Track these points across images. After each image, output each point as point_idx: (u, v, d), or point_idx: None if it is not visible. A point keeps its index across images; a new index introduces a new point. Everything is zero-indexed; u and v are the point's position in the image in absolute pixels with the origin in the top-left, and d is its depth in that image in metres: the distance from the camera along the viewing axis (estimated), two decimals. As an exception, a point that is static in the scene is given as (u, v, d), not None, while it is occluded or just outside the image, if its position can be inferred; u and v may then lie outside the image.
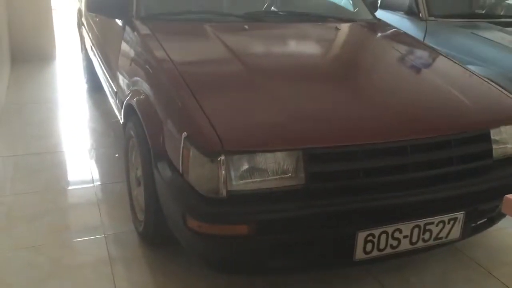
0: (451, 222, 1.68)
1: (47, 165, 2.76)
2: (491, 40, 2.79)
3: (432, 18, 3.12)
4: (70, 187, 2.58)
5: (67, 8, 7.52)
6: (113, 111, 2.73)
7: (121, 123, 2.23)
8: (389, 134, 1.64)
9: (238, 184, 1.49)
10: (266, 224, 1.49)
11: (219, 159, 1.46)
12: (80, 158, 2.89)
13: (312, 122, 1.64)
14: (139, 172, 1.97)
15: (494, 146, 1.78)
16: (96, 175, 2.69)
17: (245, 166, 1.50)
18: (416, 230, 1.63)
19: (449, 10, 3.25)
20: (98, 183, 2.60)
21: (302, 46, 2.45)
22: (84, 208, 2.35)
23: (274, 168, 1.52)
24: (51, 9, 5.04)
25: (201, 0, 2.66)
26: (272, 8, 2.65)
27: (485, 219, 1.89)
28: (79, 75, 4.42)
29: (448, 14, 3.16)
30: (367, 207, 1.57)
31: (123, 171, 2.30)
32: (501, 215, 1.95)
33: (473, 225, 1.84)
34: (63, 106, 3.79)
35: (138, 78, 2.07)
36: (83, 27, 3.81)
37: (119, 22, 2.50)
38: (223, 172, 1.46)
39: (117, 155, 2.88)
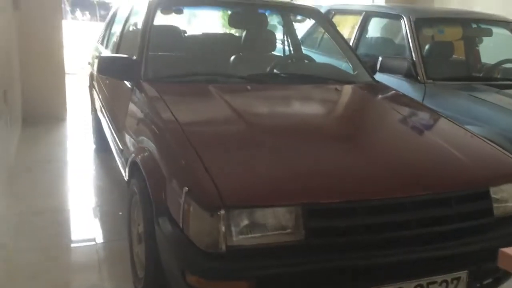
0: (454, 282, 1.66)
1: (51, 223, 2.77)
2: (488, 102, 2.86)
3: (430, 81, 3.21)
4: (72, 245, 2.58)
5: (80, 72, 7.83)
6: (119, 170, 2.79)
7: (126, 180, 2.27)
8: (388, 191, 1.66)
9: (238, 239, 1.50)
10: (266, 280, 1.48)
11: (219, 213, 1.47)
12: (84, 216, 2.91)
13: (312, 178, 1.67)
14: (141, 229, 1.98)
15: (494, 204, 1.78)
16: (99, 232, 2.70)
17: (245, 221, 1.51)
18: (418, 290, 1.61)
19: (446, 73, 3.35)
20: (101, 240, 2.60)
21: (303, 106, 2.53)
22: (85, 266, 2.34)
23: (274, 224, 1.53)
24: (64, 73, 5.25)
25: (206, 62, 2.79)
26: (274, 70, 2.76)
27: (491, 279, 1.86)
28: (88, 136, 4.53)
29: (445, 77, 3.26)
30: (367, 264, 1.56)
31: (125, 229, 2.31)
32: (508, 275, 1.91)
33: (478, 285, 1.81)
34: (71, 166, 3.86)
35: (143, 137, 2.14)
36: (94, 89, 3.96)
37: (127, 84, 2.61)
38: (223, 226, 1.47)
39: (120, 213, 2.90)
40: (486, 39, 3.94)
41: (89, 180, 3.53)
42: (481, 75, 3.58)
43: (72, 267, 2.35)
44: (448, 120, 2.35)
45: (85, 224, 2.81)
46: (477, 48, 3.91)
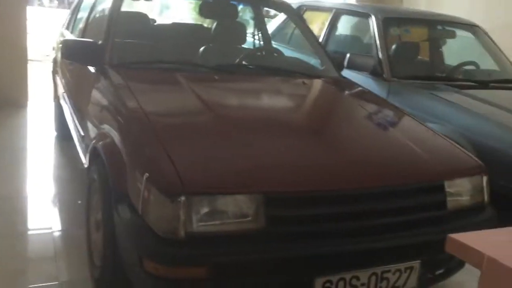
0: (408, 271, 1.70)
1: (6, 210, 2.69)
2: (449, 101, 2.95)
3: (395, 79, 3.29)
4: (28, 233, 2.51)
5: (45, 59, 7.61)
6: (80, 158, 2.73)
7: (85, 167, 2.22)
8: (347, 182, 1.69)
9: (198, 226, 1.49)
10: (225, 267, 1.49)
11: (179, 199, 1.46)
12: (42, 204, 2.83)
13: (274, 168, 1.68)
14: (99, 216, 1.94)
15: (448, 198, 1.84)
16: (56, 221, 2.64)
17: (206, 208, 1.51)
18: (373, 278, 1.64)
19: (411, 72, 3.43)
20: (58, 229, 2.54)
21: (270, 98, 2.54)
22: (41, 254, 2.28)
23: (235, 211, 1.53)
24: (26, 59, 5.10)
25: (174, 51, 2.76)
26: (243, 62, 2.76)
27: (442, 270, 1.92)
28: (49, 123, 4.41)
29: (410, 76, 3.34)
30: (325, 252, 1.58)
31: (83, 217, 2.26)
32: (459, 267, 1.98)
33: (430, 275, 1.86)
34: (31, 153, 3.75)
35: (106, 123, 2.10)
36: (57, 75, 3.86)
37: (92, 69, 2.56)
38: (183, 213, 1.47)
39: (79, 201, 2.84)
40: (450, 42, 4.05)
41: (48, 168, 3.44)
42: (443, 75, 3.68)
43: (28, 256, 2.29)
44: (410, 117, 2.40)
45: (42, 212, 2.74)
46: (441, 49, 4.01)
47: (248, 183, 1.58)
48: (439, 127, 2.48)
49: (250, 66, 2.77)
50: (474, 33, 3.93)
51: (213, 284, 1.49)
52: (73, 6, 4.17)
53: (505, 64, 3.78)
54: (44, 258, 2.23)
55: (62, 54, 2.48)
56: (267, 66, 2.83)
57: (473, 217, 1.87)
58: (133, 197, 1.63)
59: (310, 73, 2.81)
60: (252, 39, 3.59)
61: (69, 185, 3.15)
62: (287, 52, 3.53)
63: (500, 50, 3.86)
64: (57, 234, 2.49)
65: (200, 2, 3.29)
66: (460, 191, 1.89)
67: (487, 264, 0.92)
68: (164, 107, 2.15)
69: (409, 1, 6.60)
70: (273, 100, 2.53)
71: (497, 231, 1.10)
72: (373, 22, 3.60)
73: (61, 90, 3.54)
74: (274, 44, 3.75)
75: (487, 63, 3.79)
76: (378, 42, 3.48)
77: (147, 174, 1.55)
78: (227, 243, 1.51)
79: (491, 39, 3.91)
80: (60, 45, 3.26)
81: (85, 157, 2.25)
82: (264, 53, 3.35)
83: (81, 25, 3.44)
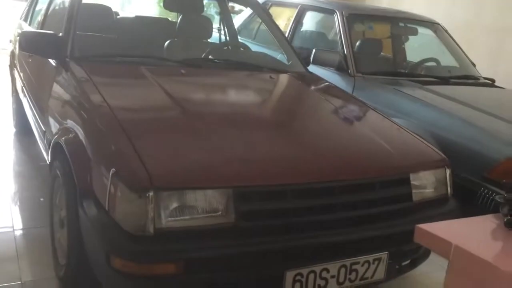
0: (376, 262, 1.73)
1: (-37, 209, 2.57)
2: (411, 96, 3.02)
3: (360, 74, 3.34)
4: (-14, 231, 2.40)
5: (1, 52, 7.31)
6: (41, 155, 2.63)
7: (48, 163, 2.15)
8: (316, 175, 1.70)
9: (167, 222, 1.47)
10: (194, 262, 1.47)
11: (147, 195, 1.43)
12: (2, 202, 2.72)
13: (243, 162, 1.67)
14: (63, 213, 1.89)
15: (413, 190, 1.88)
16: (17, 219, 2.54)
17: (174, 204, 1.48)
18: (343, 270, 1.66)
19: (375, 68, 3.49)
20: (19, 227, 2.45)
21: (237, 92, 2.53)
22: (1, 253, 2.20)
23: (204, 206, 1.52)
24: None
25: (138, 45, 2.70)
26: (210, 56, 2.73)
27: (409, 261, 1.97)
28: (7, 118, 4.24)
29: (374, 72, 3.40)
30: (295, 245, 1.59)
31: (46, 216, 2.18)
32: (424, 257, 2.04)
33: (397, 266, 1.91)
34: (-13, 149, 3.59)
35: (69, 117, 2.03)
36: (15, 69, 3.71)
37: (52, 62, 2.47)
38: (151, 209, 1.44)
39: (42, 199, 2.74)
40: (412, 39, 4.15)
41: (8, 165, 3.31)
42: (406, 71, 3.77)
43: (-14, 257, 2.19)
44: (375, 111, 2.45)
45: (2, 210, 2.63)
46: (403, 46, 4.11)
47: (217, 178, 1.56)
48: (403, 122, 2.53)
49: (217, 61, 2.74)
50: (435, 30, 4.04)
51: (183, 281, 1.47)
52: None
53: (464, 61, 3.90)
54: (6, 258, 2.15)
55: (20, 46, 2.37)
56: (234, 61, 2.81)
57: (437, 208, 1.92)
58: (99, 193, 1.59)
59: (277, 67, 2.82)
60: (218, 33, 3.56)
61: (30, 182, 3.04)
62: (254, 47, 3.52)
63: (459, 47, 3.98)
64: (18, 232, 2.40)
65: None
66: (425, 183, 1.94)
67: (454, 253, 0.94)
68: (130, 101, 2.10)
69: (372, -1, 6.73)
70: (241, 94, 2.52)
71: (462, 221, 1.13)
72: (338, 18, 3.64)
73: (19, 84, 3.41)
74: (240, 39, 3.73)
75: (447, 60, 3.91)
76: (343, 38, 3.53)
77: (113, 170, 1.52)
78: (196, 239, 1.49)
79: (451, 36, 4.03)
80: (18, 37, 3.13)
81: (47, 153, 2.17)
82: (230, 47, 3.33)
83: (40, 17, 3.32)
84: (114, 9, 3.34)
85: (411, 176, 1.88)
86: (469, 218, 1.15)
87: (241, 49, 3.27)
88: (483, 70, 3.94)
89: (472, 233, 1.02)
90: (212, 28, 3.25)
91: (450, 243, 0.94)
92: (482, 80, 3.73)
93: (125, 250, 1.44)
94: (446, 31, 4.05)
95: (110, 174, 1.51)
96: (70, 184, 1.75)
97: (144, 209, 1.44)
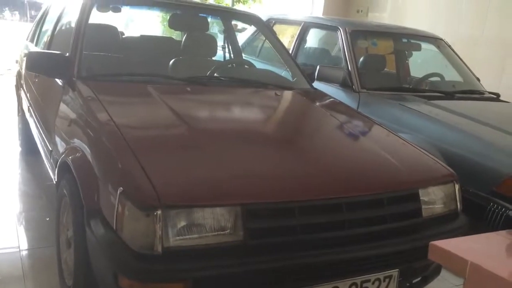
0: (387, 280, 1.71)
1: (-31, 229, 2.56)
2: (417, 111, 3.01)
3: (364, 90, 3.34)
4: (-7, 251, 2.39)
5: (7, 73, 7.39)
6: (47, 174, 2.63)
7: (54, 182, 2.15)
8: (324, 192, 1.69)
9: (175, 240, 1.45)
10: (203, 281, 1.45)
11: (155, 213, 1.42)
12: (7, 222, 2.71)
13: (251, 179, 1.66)
14: (70, 233, 1.87)
15: (423, 206, 1.86)
16: (23, 239, 2.52)
17: (183, 222, 1.47)
18: (353, 288, 1.64)
19: (379, 84, 3.50)
20: (25, 247, 2.43)
21: (243, 109, 2.53)
22: (8, 274, 2.18)
23: (212, 224, 1.50)
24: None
25: (144, 64, 2.72)
26: (215, 74, 2.74)
27: (420, 278, 1.94)
28: (13, 138, 4.26)
29: (378, 87, 3.41)
30: (304, 263, 1.57)
31: (53, 235, 2.17)
32: (435, 274, 2.01)
33: (408, 284, 1.88)
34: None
35: (76, 137, 2.03)
36: (21, 89, 3.74)
37: (58, 82, 2.49)
38: (159, 227, 1.43)
39: (48, 218, 2.73)
40: (415, 55, 4.17)
41: (13, 184, 3.30)
42: (411, 86, 3.77)
43: (-8, 277, 2.17)
44: (381, 126, 2.44)
45: (8, 230, 2.62)
46: (407, 61, 4.12)
47: (225, 195, 1.55)
48: (409, 137, 2.52)
49: (222, 78, 2.76)
50: (438, 46, 4.05)
51: (191, 300, 1.45)
52: (38, 17, 4.07)
53: (468, 76, 3.91)
54: (12, 278, 2.14)
55: (27, 66, 2.39)
56: (239, 78, 2.82)
57: (447, 224, 1.90)
58: (107, 212, 1.58)
59: (282, 84, 2.82)
60: (222, 51, 3.58)
61: (36, 201, 3.03)
62: (258, 65, 3.54)
63: (463, 62, 3.99)
64: (24, 252, 2.39)
65: (169, 14, 3.26)
66: (434, 199, 1.92)
67: (470, 270, 0.93)
68: (136, 120, 2.10)
69: (374, 15, 6.79)
70: (247, 111, 2.52)
71: (476, 237, 1.11)
72: (341, 35, 3.66)
73: (26, 104, 3.43)
74: (245, 57, 3.75)
75: (451, 75, 3.91)
76: (347, 54, 3.54)
77: (121, 188, 1.51)
78: (205, 258, 1.48)
79: (454, 51, 4.04)
80: (24, 58, 3.16)
81: (54, 173, 2.17)
82: (235, 65, 3.35)
83: (46, 37, 3.35)
84: (119, 29, 3.38)
85: (420, 191, 1.87)
86: (482, 234, 1.13)
87: (246, 66, 3.28)
88: (488, 84, 3.94)
89: (487, 250, 1.00)
90: (216, 46, 3.27)
91: (466, 261, 0.92)
92: (487, 95, 3.73)
93: (133, 269, 1.42)
94: (449, 46, 4.06)
95: (118, 193, 1.51)
96: (77, 203, 1.75)
97: (152, 228, 1.42)
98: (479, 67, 4.21)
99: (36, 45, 3.68)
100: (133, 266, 1.42)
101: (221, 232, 1.51)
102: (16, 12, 20.82)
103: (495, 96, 3.72)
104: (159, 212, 1.43)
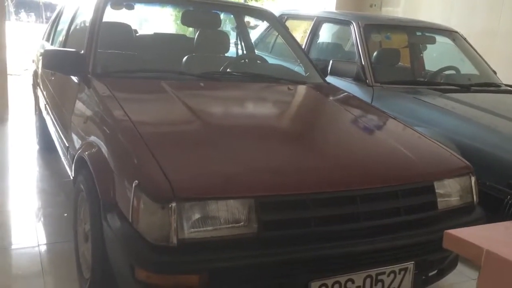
0: (402, 273, 1.70)
1: (-11, 225, 2.62)
2: (432, 104, 2.99)
3: (378, 84, 3.32)
4: (13, 247, 2.44)
5: (24, 74, 7.51)
6: (64, 171, 2.67)
7: (71, 178, 2.18)
8: (338, 184, 1.69)
9: (190, 233, 1.47)
10: (218, 273, 1.46)
11: (170, 205, 1.44)
12: (26, 218, 2.76)
13: (265, 172, 1.67)
14: (87, 227, 1.90)
15: (438, 199, 1.85)
16: (42, 235, 2.57)
17: (197, 214, 1.49)
18: (368, 281, 1.64)
19: (393, 78, 3.47)
20: (44, 242, 2.48)
21: (257, 104, 2.54)
22: (27, 269, 2.22)
23: (227, 217, 1.51)
24: (6, 74, 5.04)
25: (158, 60, 2.74)
26: (228, 70, 2.75)
27: (436, 271, 1.93)
28: (31, 136, 4.33)
29: (392, 81, 3.38)
30: (319, 255, 1.57)
31: (70, 230, 2.21)
32: (451, 267, 1.99)
33: (423, 277, 1.86)
34: (13, 167, 3.66)
35: (92, 132, 2.06)
36: (38, 87, 3.80)
37: (74, 79, 2.52)
38: (174, 219, 1.44)
39: (66, 214, 2.78)
40: (429, 48, 4.12)
41: (31, 182, 3.36)
42: (425, 80, 3.73)
43: (13, 271, 2.22)
44: (396, 120, 2.42)
45: (27, 226, 2.67)
46: (421, 55, 4.08)
47: (239, 188, 1.56)
48: (425, 130, 2.50)
49: (235, 73, 2.76)
50: (453, 39, 4.00)
51: (207, 292, 1.46)
52: (53, 17, 4.12)
53: (484, 69, 3.85)
54: (31, 273, 2.17)
55: (43, 64, 2.43)
56: (252, 73, 2.83)
57: (463, 217, 1.88)
58: (123, 206, 1.60)
59: (294, 79, 2.82)
60: (235, 48, 3.59)
61: (54, 198, 3.08)
62: (271, 61, 3.54)
63: (479, 55, 3.93)
64: (43, 248, 2.43)
65: (182, 11, 3.28)
66: (450, 191, 1.90)
67: (486, 258, 0.92)
68: (151, 115, 2.13)
69: (387, 9, 6.73)
70: (260, 105, 2.53)
71: (492, 226, 1.10)
72: (354, 29, 3.64)
73: (42, 102, 3.48)
74: (257, 53, 3.75)
75: (467, 68, 3.86)
76: (360, 48, 3.52)
77: (136, 181, 1.53)
78: (219, 250, 1.49)
79: (469, 44, 3.99)
80: (41, 57, 3.21)
81: (71, 168, 2.20)
82: (248, 60, 3.35)
83: (61, 36, 3.40)
84: (133, 28, 3.41)
85: (435, 184, 1.85)
86: (498, 223, 1.12)
87: (258, 62, 3.29)
88: (504, 77, 3.88)
89: (502, 238, 0.99)
90: (229, 42, 3.28)
91: (482, 248, 0.91)
92: (503, 87, 3.68)
93: (149, 261, 1.44)
94: (464, 39, 4.01)
95: (133, 186, 1.52)
96: (94, 197, 1.77)
97: (167, 220, 1.44)
98: (495, 60, 4.15)
99: (51, 44, 3.73)
100: (149, 258, 1.44)
101: (235, 225, 1.52)
102: (32, 14, 21.10)
103: (512, 89, 3.67)
104: (173, 204, 1.44)
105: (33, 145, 4.12)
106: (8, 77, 5.17)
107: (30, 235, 2.55)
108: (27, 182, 3.33)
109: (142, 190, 1.50)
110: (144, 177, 1.54)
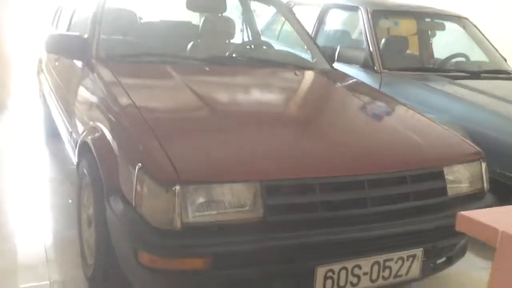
0: (410, 259, 1.66)
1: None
2: (441, 90, 2.93)
3: (386, 70, 3.27)
4: (18, 234, 2.42)
5: (27, 61, 7.50)
6: (69, 158, 2.65)
7: (75, 163, 2.16)
8: (346, 169, 1.65)
9: (194, 216, 1.44)
10: (222, 257, 1.44)
11: (174, 189, 1.41)
12: (30, 205, 2.75)
13: (271, 156, 1.64)
14: (91, 211, 1.88)
15: (448, 185, 1.81)
16: (46, 221, 2.56)
17: (202, 198, 1.46)
18: (375, 267, 1.60)
19: (401, 64, 3.42)
20: (48, 230, 2.46)
21: (263, 88, 2.50)
22: (31, 254, 2.21)
23: (232, 201, 1.48)
24: (9, 61, 5.03)
25: (162, 46, 2.70)
26: (234, 54, 2.71)
27: (444, 258, 1.89)
28: (34, 123, 4.32)
29: (401, 67, 3.33)
30: (325, 241, 1.54)
31: (74, 218, 2.19)
32: (460, 255, 1.95)
33: (432, 264, 1.83)
34: (17, 154, 3.65)
35: (95, 117, 2.03)
36: (42, 73, 3.78)
37: (78, 64, 2.49)
38: (178, 203, 1.41)
39: (70, 201, 2.76)
40: (439, 35, 4.04)
41: (35, 169, 3.34)
42: (434, 66, 3.67)
43: (18, 257, 2.20)
44: (405, 106, 2.38)
45: (31, 213, 2.65)
46: (430, 41, 4.01)
47: (244, 171, 1.53)
48: (434, 116, 2.45)
49: (241, 58, 2.72)
50: (463, 25, 3.93)
51: (211, 275, 1.44)
52: (58, 3, 4.08)
53: (495, 56, 3.78)
54: (35, 259, 2.17)
55: (46, 47, 2.40)
56: (258, 58, 2.79)
57: (473, 204, 1.84)
58: (126, 189, 1.57)
59: (301, 64, 2.78)
60: (241, 34, 3.54)
61: (58, 185, 3.06)
62: (277, 46, 3.49)
63: (489, 41, 3.86)
64: (47, 235, 2.41)
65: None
66: (460, 178, 1.86)
67: (501, 239, 0.88)
68: (156, 99, 2.09)
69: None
70: (266, 90, 2.49)
71: (506, 208, 1.06)
72: (362, 15, 3.58)
73: (46, 88, 3.46)
74: (263, 39, 3.70)
75: (477, 55, 3.79)
76: (368, 34, 3.46)
77: (139, 165, 1.50)
78: (224, 234, 1.46)
79: (480, 31, 3.91)
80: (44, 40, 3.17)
81: (74, 153, 2.18)
82: (254, 46, 3.31)
83: (65, 23, 3.36)
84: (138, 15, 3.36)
85: (445, 169, 1.81)
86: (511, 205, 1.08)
87: (264, 47, 3.24)
88: (515, 64, 3.81)
89: (518, 220, 0.96)
90: (235, 28, 3.23)
91: (497, 229, 0.88)
92: (514, 74, 3.61)
93: (153, 244, 1.42)
94: (474, 25, 3.93)
95: (136, 169, 1.50)
96: (97, 181, 1.75)
97: (171, 204, 1.41)
98: (506, 47, 4.07)
99: (56, 29, 3.70)
100: (153, 241, 1.41)
101: (241, 209, 1.49)
102: None
103: (523, 76, 3.60)
104: (177, 187, 1.41)
105: (36, 132, 4.11)
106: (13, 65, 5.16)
107: (34, 222, 2.54)
108: (31, 170, 3.31)
109: (145, 173, 1.47)
110: (148, 160, 1.51)
